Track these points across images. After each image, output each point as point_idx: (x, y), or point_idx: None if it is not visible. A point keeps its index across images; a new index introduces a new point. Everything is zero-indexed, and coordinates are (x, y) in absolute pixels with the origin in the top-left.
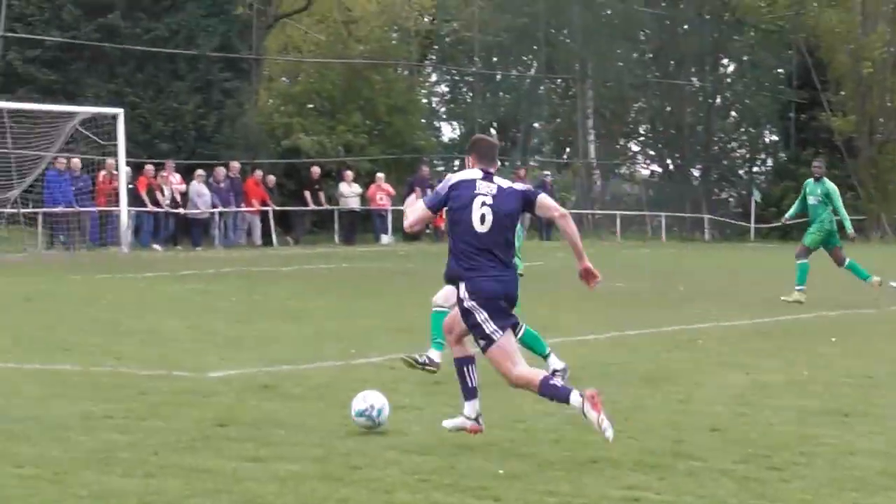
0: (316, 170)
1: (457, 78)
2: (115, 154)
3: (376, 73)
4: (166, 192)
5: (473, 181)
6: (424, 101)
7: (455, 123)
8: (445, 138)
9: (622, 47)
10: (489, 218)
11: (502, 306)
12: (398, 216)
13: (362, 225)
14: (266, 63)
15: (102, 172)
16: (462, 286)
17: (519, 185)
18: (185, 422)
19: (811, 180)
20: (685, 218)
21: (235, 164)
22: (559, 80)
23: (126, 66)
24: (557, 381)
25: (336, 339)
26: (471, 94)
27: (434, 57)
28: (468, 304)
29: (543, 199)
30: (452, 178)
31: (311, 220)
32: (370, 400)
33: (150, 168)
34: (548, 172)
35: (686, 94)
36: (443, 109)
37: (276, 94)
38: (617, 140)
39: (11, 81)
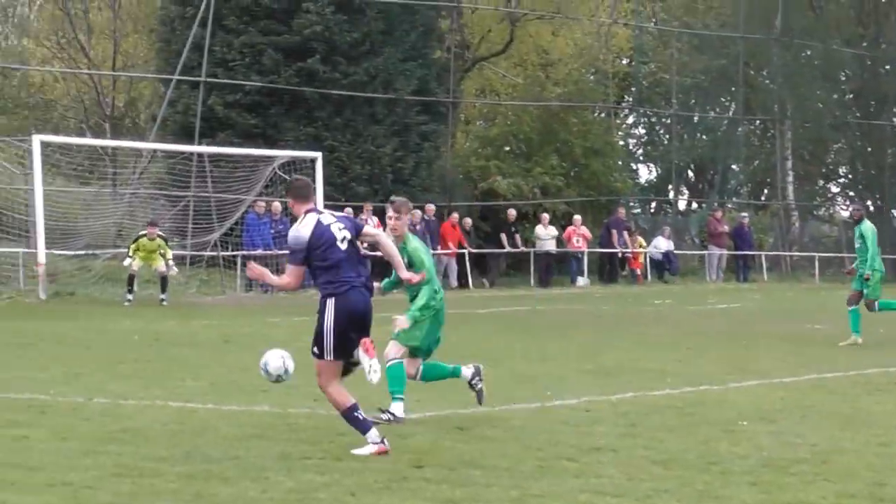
0: (512, 212)
1: (653, 120)
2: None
3: (573, 116)
4: None
5: (319, 222)
6: (621, 142)
7: (652, 165)
8: (642, 180)
9: (822, 88)
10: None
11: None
12: (594, 259)
13: (558, 267)
14: (463, 106)
15: None
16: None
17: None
18: (381, 462)
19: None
20: (885, 259)
21: (431, 207)
22: (757, 122)
23: (324, 110)
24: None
25: (531, 380)
26: (668, 136)
27: (630, 99)
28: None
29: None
30: (303, 233)
31: (506, 263)
32: (287, 364)
33: (348, 211)
34: (745, 214)
35: (887, 134)
36: (639, 151)
37: (473, 136)
38: (815, 181)
39: (212, 126)
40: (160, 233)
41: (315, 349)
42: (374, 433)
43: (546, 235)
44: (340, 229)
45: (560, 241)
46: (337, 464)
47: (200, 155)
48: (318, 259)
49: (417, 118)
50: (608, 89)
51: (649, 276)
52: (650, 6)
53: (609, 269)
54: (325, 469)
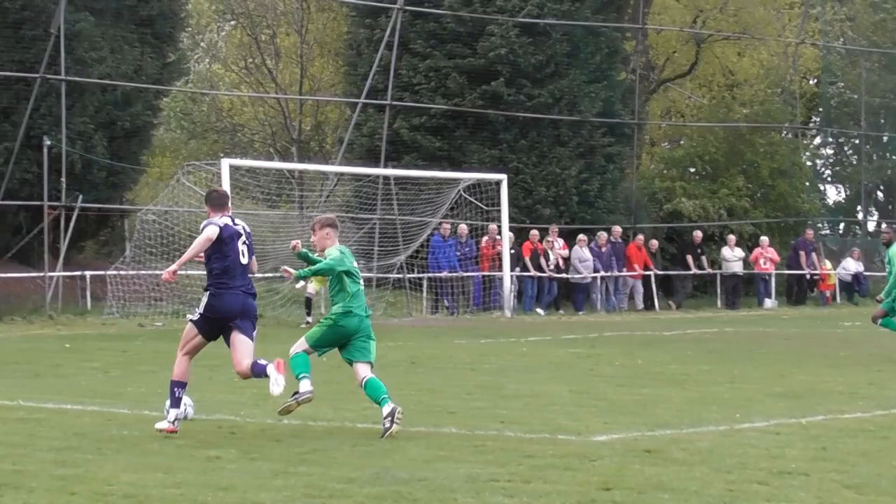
0: (698, 234)
1: (841, 140)
2: (497, 219)
3: (759, 136)
4: (550, 257)
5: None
6: (809, 163)
7: (840, 186)
8: (830, 201)
9: None
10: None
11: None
12: (782, 280)
13: (745, 289)
14: (648, 128)
15: (485, 237)
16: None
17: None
18: (569, 485)
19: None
20: None
21: (617, 229)
22: None
23: (509, 132)
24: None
25: (719, 403)
26: (856, 157)
27: (818, 119)
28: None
29: None
30: (217, 223)
31: (693, 285)
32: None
33: (535, 233)
34: None
35: None
36: (827, 172)
37: (658, 158)
38: None
39: (398, 149)
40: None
41: (189, 317)
42: (174, 413)
43: (732, 257)
44: (243, 242)
45: (747, 263)
46: (525, 486)
47: (386, 178)
48: (216, 252)
49: (602, 140)
50: (795, 110)
51: (838, 298)
52: (839, 25)
53: (797, 290)
54: (512, 491)
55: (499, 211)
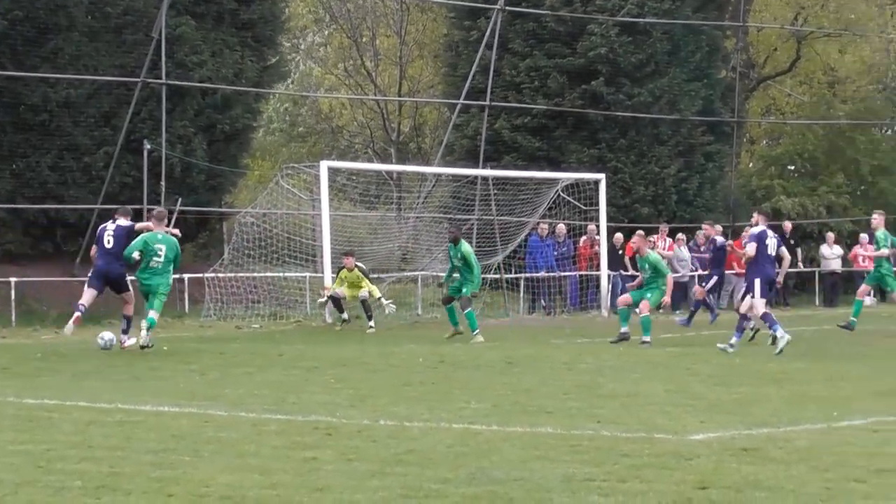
0: (787, 224)
1: None
2: (596, 219)
3: (860, 133)
4: None
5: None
6: None
7: None
8: None
9: None
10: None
11: None
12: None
13: (844, 287)
14: (748, 126)
15: (584, 237)
16: None
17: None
18: (666, 484)
19: None
20: None
21: (718, 228)
22: None
23: (609, 131)
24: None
25: (817, 401)
26: None
27: None
28: None
29: None
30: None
31: (793, 283)
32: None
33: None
34: None
35: None
36: None
37: (757, 156)
38: None
39: (497, 149)
40: (358, 263)
41: None
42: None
43: (831, 255)
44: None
45: (846, 261)
46: (620, 485)
47: (485, 178)
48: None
49: (702, 138)
50: None
51: None
52: None
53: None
54: (608, 491)
55: (597, 210)
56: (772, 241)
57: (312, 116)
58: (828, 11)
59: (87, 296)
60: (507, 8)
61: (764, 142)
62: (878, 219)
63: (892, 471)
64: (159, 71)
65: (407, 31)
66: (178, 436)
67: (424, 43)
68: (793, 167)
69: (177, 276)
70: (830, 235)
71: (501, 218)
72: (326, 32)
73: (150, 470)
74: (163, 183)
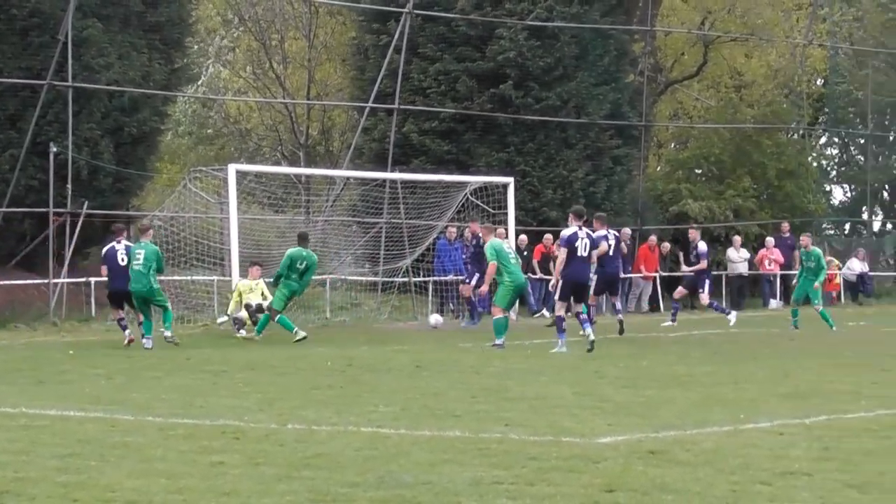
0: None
1: (847, 140)
2: (504, 222)
3: (766, 138)
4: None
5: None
6: (815, 164)
7: (846, 186)
8: (836, 201)
9: None
10: None
11: None
12: (787, 280)
13: (751, 290)
14: (655, 130)
15: None
16: None
17: None
18: (573, 487)
19: None
20: None
21: (627, 231)
22: None
23: (517, 135)
24: None
25: (723, 404)
26: (863, 157)
27: (825, 119)
28: None
29: None
30: None
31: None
32: None
33: (548, 237)
34: None
35: None
36: (833, 172)
37: (665, 160)
38: None
39: (406, 153)
40: (263, 278)
41: None
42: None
43: (738, 258)
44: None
45: (752, 264)
46: (529, 488)
47: (393, 182)
48: None
49: (610, 142)
50: (802, 110)
51: (842, 299)
52: (846, 26)
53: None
54: (516, 494)
55: (506, 214)
56: (582, 243)
57: (221, 120)
58: (735, 16)
59: None
60: (417, 12)
61: (672, 145)
62: (805, 240)
63: (796, 473)
64: (66, 73)
65: (316, 35)
66: (83, 440)
67: (333, 46)
68: (700, 171)
69: (83, 279)
70: (737, 239)
71: (410, 221)
72: (235, 34)
73: (55, 475)
74: (69, 186)
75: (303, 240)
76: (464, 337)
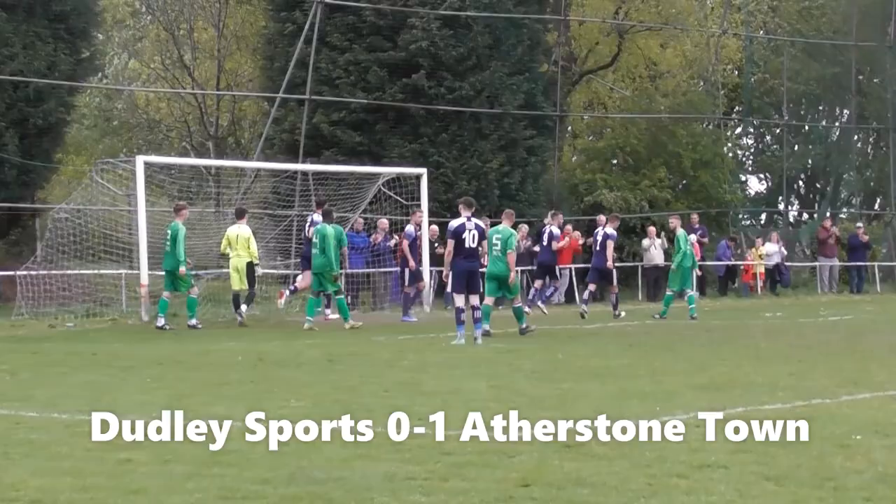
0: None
1: (763, 130)
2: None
3: (682, 128)
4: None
5: None
6: (731, 154)
7: (762, 176)
8: (752, 191)
9: None
10: None
11: None
12: (705, 271)
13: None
14: (570, 120)
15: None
16: None
17: None
18: (488, 482)
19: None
20: None
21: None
22: (871, 130)
23: (430, 126)
24: None
25: (640, 396)
26: (778, 146)
27: (740, 109)
28: None
29: None
30: None
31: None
32: None
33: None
34: (860, 224)
35: None
36: (749, 162)
37: (580, 150)
38: None
39: (317, 144)
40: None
41: None
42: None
43: (654, 249)
44: None
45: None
46: (442, 484)
47: (305, 173)
48: None
49: (524, 133)
50: (717, 100)
51: (759, 290)
52: (761, 16)
53: (719, 282)
54: (430, 490)
55: (419, 205)
56: (470, 234)
57: (128, 110)
58: (649, 6)
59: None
60: (326, 1)
61: (587, 136)
62: (674, 221)
63: (713, 466)
64: None
65: (225, 24)
66: None
67: (243, 36)
68: (615, 161)
69: None
70: (652, 230)
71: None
72: (142, 23)
73: None
74: None
75: (327, 215)
76: (377, 330)
